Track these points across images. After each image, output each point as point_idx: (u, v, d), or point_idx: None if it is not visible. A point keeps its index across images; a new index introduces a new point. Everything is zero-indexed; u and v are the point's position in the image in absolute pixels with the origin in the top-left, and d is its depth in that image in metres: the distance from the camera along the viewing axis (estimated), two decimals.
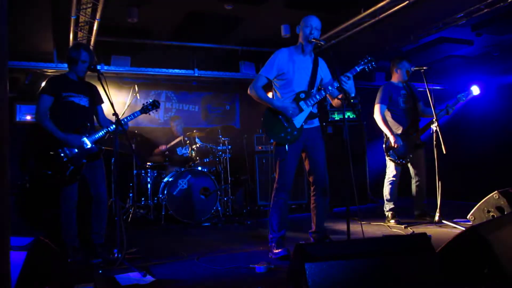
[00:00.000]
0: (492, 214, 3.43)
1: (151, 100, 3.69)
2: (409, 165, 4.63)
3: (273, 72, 3.27)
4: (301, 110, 3.23)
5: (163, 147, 6.04)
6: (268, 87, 3.39)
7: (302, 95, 3.24)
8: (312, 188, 3.39)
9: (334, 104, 3.46)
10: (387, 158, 4.58)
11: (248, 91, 3.34)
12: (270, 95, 3.39)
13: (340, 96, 3.29)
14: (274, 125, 3.23)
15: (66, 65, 3.51)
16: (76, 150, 3.32)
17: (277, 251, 3.16)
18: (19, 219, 4.41)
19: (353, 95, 3.23)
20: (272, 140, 3.29)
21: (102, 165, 3.52)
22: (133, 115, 3.58)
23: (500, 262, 1.95)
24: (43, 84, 3.38)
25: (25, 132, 4.85)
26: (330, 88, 3.21)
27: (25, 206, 4.54)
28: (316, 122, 3.40)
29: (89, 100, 3.52)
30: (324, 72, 3.41)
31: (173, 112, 7.26)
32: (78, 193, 3.42)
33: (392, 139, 4.43)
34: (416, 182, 4.66)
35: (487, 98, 6.07)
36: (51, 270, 2.38)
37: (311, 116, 3.28)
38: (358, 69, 3.24)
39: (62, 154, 3.27)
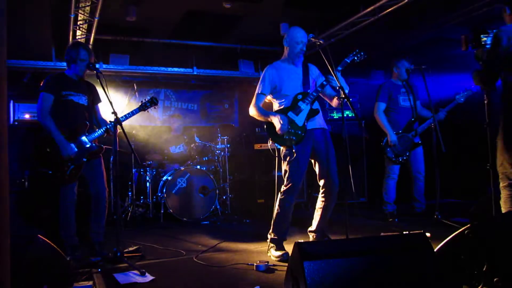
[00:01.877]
0: (491, 213, 3.44)
1: (149, 98, 3.70)
2: (408, 163, 4.63)
3: (268, 87, 3.37)
4: (300, 110, 3.27)
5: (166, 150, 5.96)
6: None
7: (299, 96, 3.30)
8: (322, 191, 3.35)
9: (333, 105, 3.47)
10: (385, 157, 4.59)
11: (249, 112, 3.41)
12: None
13: (336, 98, 3.34)
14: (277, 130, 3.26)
15: (65, 63, 3.51)
16: (76, 149, 3.32)
17: (277, 254, 3.17)
18: (18, 217, 4.40)
19: (346, 91, 3.21)
20: (278, 146, 3.30)
21: (101, 164, 3.52)
22: (132, 113, 3.58)
23: (498, 261, 1.95)
24: (43, 82, 3.37)
25: (24, 131, 4.85)
26: (324, 83, 3.24)
27: (24, 205, 4.54)
28: (323, 124, 3.40)
29: (88, 98, 3.52)
30: (315, 75, 3.47)
31: (172, 111, 7.25)
32: (77, 191, 3.43)
33: (389, 137, 4.44)
34: (414, 180, 4.67)
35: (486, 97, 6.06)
36: (50, 269, 2.38)
37: (312, 114, 3.30)
38: (348, 61, 3.29)
39: (62, 153, 3.26)
